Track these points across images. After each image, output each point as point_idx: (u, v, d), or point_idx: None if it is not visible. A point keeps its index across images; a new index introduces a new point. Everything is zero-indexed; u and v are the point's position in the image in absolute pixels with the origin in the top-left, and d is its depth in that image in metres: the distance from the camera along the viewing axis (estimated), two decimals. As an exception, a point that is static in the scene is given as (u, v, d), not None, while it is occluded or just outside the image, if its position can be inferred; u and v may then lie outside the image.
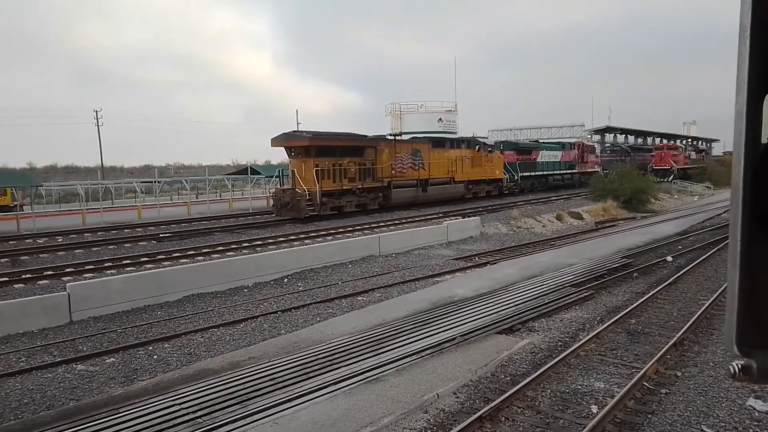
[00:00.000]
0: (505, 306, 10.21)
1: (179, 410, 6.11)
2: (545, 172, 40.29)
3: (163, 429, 5.68)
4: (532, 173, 38.58)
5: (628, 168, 40.51)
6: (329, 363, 7.45)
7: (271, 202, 27.60)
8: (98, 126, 61.17)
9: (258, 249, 16.69)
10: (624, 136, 66.27)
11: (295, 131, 25.22)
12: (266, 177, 39.55)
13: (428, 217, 24.25)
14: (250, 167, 40.95)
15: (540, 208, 28.66)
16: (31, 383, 7.47)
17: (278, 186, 27.96)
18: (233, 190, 43.82)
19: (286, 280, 13.56)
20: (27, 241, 19.77)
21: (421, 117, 35.16)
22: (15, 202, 35.65)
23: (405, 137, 30.10)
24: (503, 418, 5.97)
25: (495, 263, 15.39)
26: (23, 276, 13.23)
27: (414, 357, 7.63)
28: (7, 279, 12.89)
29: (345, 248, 16.13)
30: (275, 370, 7.25)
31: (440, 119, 35.40)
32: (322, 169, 23.74)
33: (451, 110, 37.00)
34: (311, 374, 7.06)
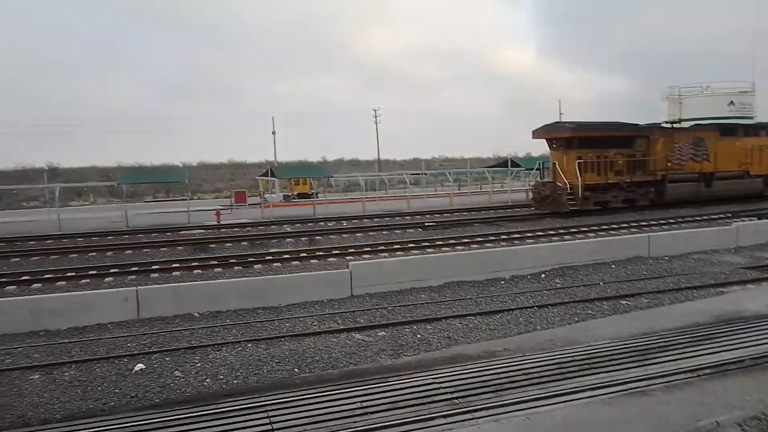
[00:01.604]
0: (818, 330, 8.31)
1: (438, 388, 6.59)
2: None
3: (425, 403, 6.19)
4: None
5: None
6: (587, 366, 7.13)
7: (531, 195, 27.36)
8: (376, 123, 68.83)
9: (515, 242, 16.76)
10: None
11: (557, 122, 24.55)
12: (526, 170, 39.29)
13: (712, 216, 21.13)
14: (510, 160, 41.09)
15: None
16: (321, 344, 8.89)
17: (538, 179, 27.54)
18: (493, 183, 44.61)
19: (543, 275, 13.34)
20: (320, 223, 23.54)
21: (706, 101, 30.44)
22: (312, 191, 42.75)
23: (685, 125, 26.64)
24: (808, 467, 4.93)
25: (805, 276, 12.58)
26: (317, 253, 15.81)
27: (688, 375, 6.79)
28: (306, 255, 15.60)
29: (608, 247, 15.08)
30: (530, 365, 7.25)
31: (731, 102, 30.17)
32: (585, 162, 22.60)
33: (746, 91, 31.19)
34: (567, 375, 6.86)
